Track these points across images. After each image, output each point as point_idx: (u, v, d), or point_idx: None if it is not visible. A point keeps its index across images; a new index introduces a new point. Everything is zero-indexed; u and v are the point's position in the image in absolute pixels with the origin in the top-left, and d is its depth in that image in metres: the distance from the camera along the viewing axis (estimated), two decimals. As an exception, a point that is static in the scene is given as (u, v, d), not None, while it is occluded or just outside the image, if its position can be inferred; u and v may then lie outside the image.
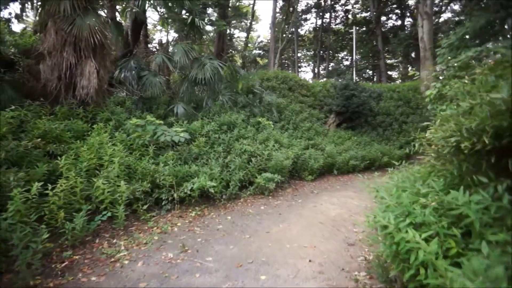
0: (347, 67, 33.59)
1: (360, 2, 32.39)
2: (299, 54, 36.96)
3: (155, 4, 8.78)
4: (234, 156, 6.56)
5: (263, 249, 3.70)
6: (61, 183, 3.63)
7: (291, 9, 29.53)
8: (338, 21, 35.24)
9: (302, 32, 36.95)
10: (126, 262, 3.28)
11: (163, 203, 5.05)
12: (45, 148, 4.53)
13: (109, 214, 3.92)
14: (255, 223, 4.72)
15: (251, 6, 27.28)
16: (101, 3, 8.31)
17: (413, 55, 27.48)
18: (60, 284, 2.82)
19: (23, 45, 7.21)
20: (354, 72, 20.63)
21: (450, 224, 2.10)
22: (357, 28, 29.61)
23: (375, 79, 33.55)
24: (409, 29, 27.53)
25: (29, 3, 9.18)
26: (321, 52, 34.81)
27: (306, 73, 41.17)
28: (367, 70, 36.02)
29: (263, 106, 10.17)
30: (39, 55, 6.04)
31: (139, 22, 8.89)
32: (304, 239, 4.01)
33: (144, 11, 8.66)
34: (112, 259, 3.30)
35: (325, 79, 22.15)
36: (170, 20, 9.73)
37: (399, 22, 30.29)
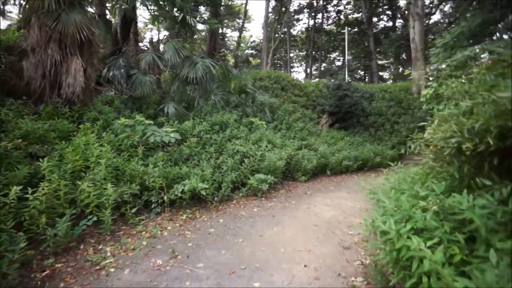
0: (339, 67, 33.75)
1: (352, 3, 32.56)
2: (291, 54, 37.00)
3: (145, 1, 8.55)
4: (226, 157, 6.41)
5: (257, 253, 3.57)
6: (43, 186, 3.43)
7: (283, 9, 29.53)
8: (330, 21, 35.38)
9: (294, 32, 37.03)
10: (112, 269, 3.10)
11: (152, 206, 4.87)
12: (26, 149, 4.31)
13: (95, 218, 3.73)
14: (248, 226, 4.59)
15: (244, 5, 27.17)
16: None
17: (404, 56, 27.77)
18: (39, 295, 2.64)
19: (6, 42, 6.91)
20: (346, 73, 20.69)
21: (452, 229, 2.02)
22: (349, 28, 29.77)
23: (366, 79, 33.81)
24: (400, 30, 27.81)
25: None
26: (314, 52, 34.88)
27: (298, 73, 41.28)
28: (359, 71, 36.27)
29: (255, 106, 10.05)
30: (22, 52, 5.78)
31: (129, 19, 8.66)
32: (298, 243, 3.90)
33: (134, 8, 8.45)
34: (97, 267, 3.12)
35: (317, 79, 22.14)
36: (160, 17, 9.51)
37: (390, 23, 30.59)
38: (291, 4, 31.49)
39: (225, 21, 25.54)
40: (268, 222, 4.81)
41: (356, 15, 33.19)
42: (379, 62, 32.58)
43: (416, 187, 2.61)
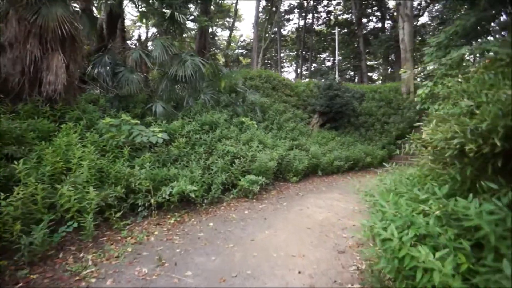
0: (329, 68, 33.94)
1: (342, 4, 32.75)
2: (281, 54, 37.01)
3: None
4: (216, 158, 6.23)
5: (248, 259, 3.41)
6: (18, 190, 3.18)
7: (274, 9, 29.45)
8: (320, 22, 35.53)
9: (285, 32, 37.05)
10: (93, 280, 2.89)
11: (139, 210, 4.65)
12: (1, 151, 4.02)
13: (76, 224, 3.50)
14: (239, 230, 4.43)
15: (234, 4, 26.95)
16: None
17: (393, 57, 28.08)
18: (12, 310, 2.42)
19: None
20: (337, 73, 20.75)
21: (456, 236, 1.91)
22: (339, 29, 29.94)
23: (356, 80, 34.07)
24: (389, 31, 28.13)
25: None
26: (304, 52, 34.97)
27: (289, 73, 41.32)
28: (349, 71, 36.56)
29: (246, 105, 9.89)
30: None
31: (115, 15, 8.35)
32: (291, 247, 3.76)
33: (121, 3, 8.16)
34: (77, 277, 2.90)
35: (307, 79, 22.14)
36: (148, 14, 9.23)
37: (379, 25, 30.91)
38: (282, 4, 31.46)
39: (216, 20, 25.26)
40: (259, 225, 4.66)
41: (346, 16, 33.44)
42: (368, 63, 32.90)
43: (415, 190, 2.51)
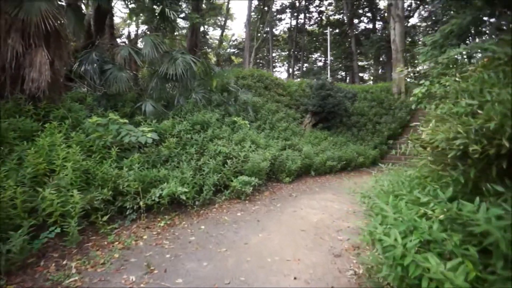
0: (321, 68, 34.06)
1: (333, 4, 32.89)
2: (273, 54, 36.96)
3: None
4: (208, 158, 6.07)
5: (242, 265, 3.28)
6: (-5, 194, 2.99)
7: (266, 8, 29.35)
8: (312, 22, 35.61)
9: (277, 32, 37.02)
10: (77, 289, 2.72)
11: (127, 213, 4.46)
12: (-21, 151, 3.80)
13: (58, 230, 3.31)
14: (231, 233, 4.29)
15: (226, 2, 26.77)
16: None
17: (384, 57, 28.34)
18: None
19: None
20: (329, 73, 20.78)
21: (461, 241, 1.82)
22: (331, 29, 30.04)
23: (348, 80, 34.29)
24: (380, 32, 28.38)
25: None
26: (296, 52, 34.99)
27: (280, 73, 41.32)
28: (340, 71, 36.76)
29: (238, 105, 9.74)
30: (-22, 42, 5.18)
31: (103, 11, 8.11)
32: (286, 251, 3.65)
33: (109, -2, 7.92)
34: (59, 287, 2.72)
35: (299, 79, 22.13)
36: (138, 10, 8.99)
37: (370, 25, 31.17)
38: (274, 4, 31.41)
39: (207, 19, 24.99)
40: (253, 227, 4.53)
41: (337, 16, 33.60)
42: (360, 63, 33.15)
43: (415, 192, 2.42)
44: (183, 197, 4.71)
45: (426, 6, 22.52)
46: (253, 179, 6.05)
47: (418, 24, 27.83)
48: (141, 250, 3.60)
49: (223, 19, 28.61)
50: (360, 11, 30.46)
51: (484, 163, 2.07)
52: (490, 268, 1.63)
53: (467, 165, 2.11)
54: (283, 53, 39.54)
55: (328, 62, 24.40)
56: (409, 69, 7.04)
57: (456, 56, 3.46)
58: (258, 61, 36.15)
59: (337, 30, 32.69)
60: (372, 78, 35.42)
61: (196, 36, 12.37)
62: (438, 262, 1.54)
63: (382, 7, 29.83)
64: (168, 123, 6.46)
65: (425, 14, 25.17)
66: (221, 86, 9.90)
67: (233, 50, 35.07)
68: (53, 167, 3.95)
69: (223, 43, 32.39)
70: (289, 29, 35.94)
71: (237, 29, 71.65)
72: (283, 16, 34.97)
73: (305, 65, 37.41)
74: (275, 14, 33.64)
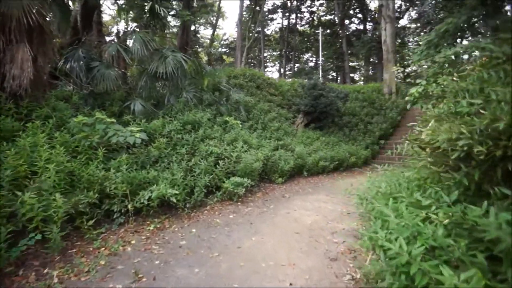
0: (312, 68, 34.16)
1: (325, 5, 33.03)
2: (265, 54, 36.89)
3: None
4: (199, 159, 5.91)
5: (235, 271, 3.14)
6: (-30, 199, 2.77)
7: (257, 8, 29.24)
8: (303, 22, 35.68)
9: (268, 32, 36.96)
10: (58, 301, 2.54)
11: (114, 216, 4.28)
12: (-47, 153, 3.56)
13: (39, 236, 3.11)
14: (224, 236, 4.15)
15: (217, 2, 26.55)
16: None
17: (374, 58, 28.58)
18: None
19: None
20: (320, 73, 20.81)
21: (467, 247, 1.73)
22: (322, 30, 30.16)
23: (338, 80, 34.49)
24: (370, 32, 28.63)
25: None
26: (287, 52, 35.01)
27: (272, 73, 41.31)
28: (331, 72, 36.96)
29: (230, 104, 9.59)
30: (-45, 37, 4.90)
31: (91, 6, 7.86)
32: (281, 255, 3.53)
33: (96, -6, 7.66)
34: (39, 298, 2.54)
35: (290, 79, 22.12)
36: (127, 7, 8.75)
37: (361, 26, 31.41)
38: (265, 4, 31.34)
39: (198, 17, 24.70)
40: (246, 230, 4.40)
41: (329, 17, 33.76)
42: (350, 63, 33.38)
43: (416, 195, 2.33)
44: (174, 199, 4.56)
45: (416, 8, 22.81)
46: (245, 180, 5.93)
47: (408, 25, 28.23)
48: (129, 256, 3.42)
49: (215, 18, 28.38)
50: (351, 12, 30.66)
51: (488, 165, 2.00)
52: (500, 276, 1.54)
53: (471, 166, 2.03)
54: (275, 53, 39.54)
55: (320, 62, 24.45)
56: (401, 69, 7.02)
57: (452, 56, 3.41)
58: (249, 60, 36.04)
59: (328, 31, 32.84)
60: (362, 78, 35.73)
61: (187, 34, 12.15)
62: (451, 274, 1.44)
63: (372, 8, 30.11)
64: (158, 122, 6.27)
65: (415, 16, 25.53)
66: (212, 85, 9.73)
67: (225, 50, 34.87)
68: (35, 169, 3.74)
69: (215, 42, 32.15)
70: (280, 29, 35.95)
71: (228, 28, 71.44)
72: (274, 16, 35.01)
73: (297, 65, 37.49)
74: (266, 14, 33.59)
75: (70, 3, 8.47)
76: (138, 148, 5.41)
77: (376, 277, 2.22)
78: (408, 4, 26.13)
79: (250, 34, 27.36)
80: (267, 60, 39.92)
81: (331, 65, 35.37)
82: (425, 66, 3.88)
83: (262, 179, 7.67)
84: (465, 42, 4.70)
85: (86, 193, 3.95)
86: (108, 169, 4.50)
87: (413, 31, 24.86)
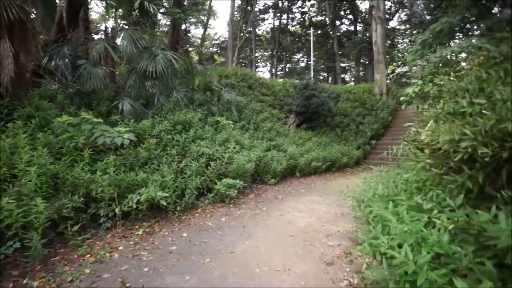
0: (303, 68, 34.25)
1: (316, 5, 33.15)
2: (256, 54, 36.81)
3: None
4: (190, 160, 5.75)
5: (228, 278, 3.01)
6: None
7: (249, 8, 29.13)
8: (295, 22, 35.75)
9: (259, 32, 36.89)
10: (38, 314, 2.36)
11: (101, 221, 4.09)
12: None
13: (18, 244, 2.92)
14: (216, 241, 4.01)
15: (208, 1, 26.30)
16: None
17: (365, 59, 28.85)
18: None
19: None
20: (312, 73, 20.82)
21: (473, 254, 1.65)
22: (314, 30, 30.26)
23: (329, 81, 34.65)
24: (361, 33, 28.86)
25: None
26: (279, 52, 35.01)
27: (263, 73, 41.25)
28: (322, 72, 37.12)
29: (221, 104, 9.44)
30: None
31: (77, 2, 7.58)
32: (275, 260, 3.42)
33: (82, -11, 7.41)
34: (17, 312, 2.36)
35: (282, 79, 22.10)
36: (115, 3, 8.49)
37: (352, 27, 31.66)
38: (257, 4, 31.25)
39: (189, 16, 24.41)
40: (238, 234, 4.27)
41: (320, 17, 33.90)
42: (341, 64, 33.60)
43: (416, 198, 2.25)
44: (164, 202, 4.39)
45: (405, 9, 23.10)
46: (237, 181, 5.80)
47: (398, 27, 28.60)
48: (116, 264, 3.25)
49: (206, 17, 28.11)
50: (342, 13, 30.86)
51: (492, 167, 1.92)
52: (510, 285, 1.46)
53: (475, 169, 1.95)
54: (266, 53, 39.49)
55: (311, 62, 24.49)
56: (392, 70, 7.01)
57: (449, 55, 3.37)
58: (241, 60, 35.93)
59: (319, 31, 32.98)
60: (353, 79, 36.00)
61: (177, 33, 11.93)
62: (464, 285, 1.34)
63: (363, 10, 30.37)
64: (147, 123, 6.08)
65: (404, 18, 25.88)
66: (203, 85, 9.57)
67: (216, 49, 34.62)
68: (15, 172, 3.53)
69: (206, 42, 31.88)
70: (272, 29, 35.94)
71: (220, 28, 71.04)
72: (266, 16, 34.97)
73: (288, 65, 37.52)
74: (258, 14, 33.51)
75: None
76: (127, 149, 5.22)
77: (377, 285, 2.13)
78: (398, 6, 26.45)
79: (242, 34, 27.21)
80: (259, 60, 39.85)
81: (322, 66, 35.52)
82: (415, 68, 3.83)
83: (255, 180, 7.55)
84: (456, 41, 4.70)
85: (70, 197, 3.76)
86: (95, 172, 4.30)
87: (403, 32, 25.17)
